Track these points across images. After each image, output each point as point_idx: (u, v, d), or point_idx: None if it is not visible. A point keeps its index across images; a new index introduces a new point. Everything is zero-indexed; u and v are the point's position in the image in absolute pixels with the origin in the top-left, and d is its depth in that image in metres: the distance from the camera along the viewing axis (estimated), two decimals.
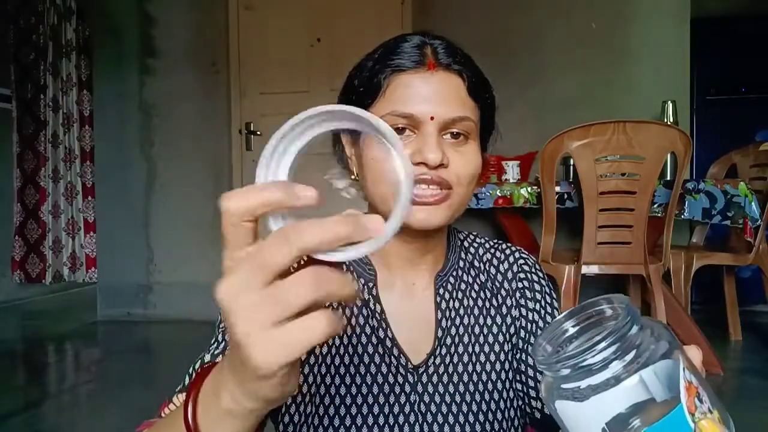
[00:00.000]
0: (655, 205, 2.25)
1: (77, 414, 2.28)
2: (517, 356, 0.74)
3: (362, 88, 0.68)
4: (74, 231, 4.61)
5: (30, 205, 4.52)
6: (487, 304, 0.75)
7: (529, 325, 0.75)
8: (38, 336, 3.53)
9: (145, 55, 3.63)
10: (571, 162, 2.44)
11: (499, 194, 2.40)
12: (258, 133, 3.50)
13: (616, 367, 0.33)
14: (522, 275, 0.77)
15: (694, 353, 0.38)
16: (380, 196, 0.67)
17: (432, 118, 0.64)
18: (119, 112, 3.67)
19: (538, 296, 0.76)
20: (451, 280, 0.75)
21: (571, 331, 0.38)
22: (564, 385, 0.35)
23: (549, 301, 0.77)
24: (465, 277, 0.76)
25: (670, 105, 2.62)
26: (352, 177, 0.72)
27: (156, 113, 3.63)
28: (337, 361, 0.68)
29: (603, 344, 0.33)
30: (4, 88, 4.42)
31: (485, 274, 0.77)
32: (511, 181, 2.59)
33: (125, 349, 3.16)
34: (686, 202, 2.28)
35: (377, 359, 0.68)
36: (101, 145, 3.76)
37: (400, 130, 0.65)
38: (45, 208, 4.52)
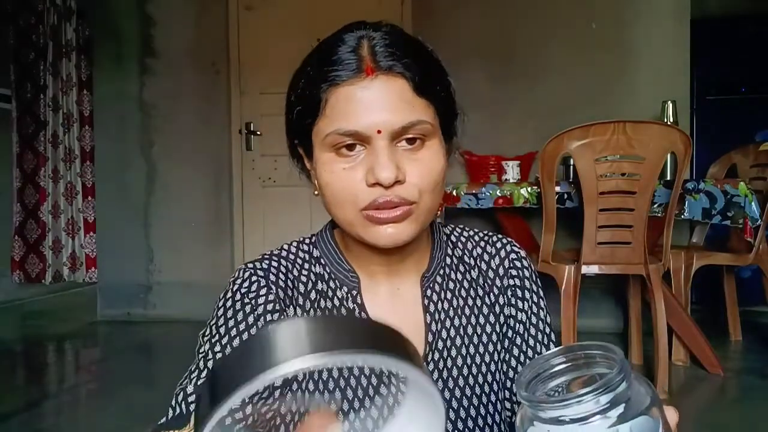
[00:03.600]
0: (655, 205, 2.25)
1: (77, 414, 2.28)
2: (506, 358, 0.71)
3: (300, 106, 0.62)
4: (74, 231, 4.60)
5: (30, 205, 4.51)
6: (479, 303, 0.71)
7: (517, 325, 0.71)
8: (38, 336, 3.53)
9: (145, 55, 3.63)
10: (571, 162, 2.43)
11: (499, 194, 2.39)
12: (258, 133, 3.50)
13: (597, 421, 0.33)
14: (514, 272, 0.73)
15: (672, 415, 0.38)
16: (346, 220, 0.62)
17: (379, 132, 0.58)
18: (119, 112, 3.66)
19: (528, 294, 0.73)
20: (438, 279, 0.71)
21: (558, 368, 0.38)
22: (538, 423, 0.35)
23: (536, 301, 0.73)
24: (453, 275, 0.72)
25: (670, 105, 2.62)
26: (315, 192, 0.67)
27: (156, 113, 3.63)
28: (324, 375, 0.65)
29: (590, 397, 0.33)
30: (4, 88, 4.41)
31: (476, 269, 0.73)
32: (511, 181, 2.59)
33: (125, 349, 3.16)
34: (686, 202, 2.28)
35: (366, 369, 0.65)
36: (101, 145, 3.76)
37: (349, 147, 0.59)
38: (45, 208, 4.51)
